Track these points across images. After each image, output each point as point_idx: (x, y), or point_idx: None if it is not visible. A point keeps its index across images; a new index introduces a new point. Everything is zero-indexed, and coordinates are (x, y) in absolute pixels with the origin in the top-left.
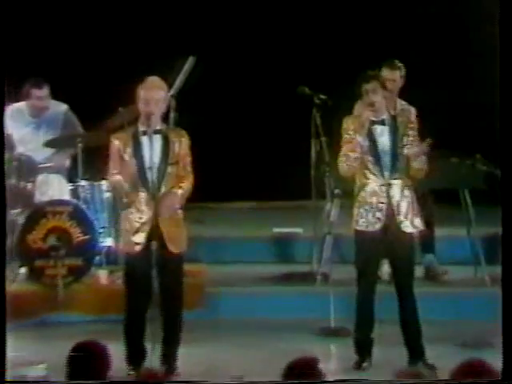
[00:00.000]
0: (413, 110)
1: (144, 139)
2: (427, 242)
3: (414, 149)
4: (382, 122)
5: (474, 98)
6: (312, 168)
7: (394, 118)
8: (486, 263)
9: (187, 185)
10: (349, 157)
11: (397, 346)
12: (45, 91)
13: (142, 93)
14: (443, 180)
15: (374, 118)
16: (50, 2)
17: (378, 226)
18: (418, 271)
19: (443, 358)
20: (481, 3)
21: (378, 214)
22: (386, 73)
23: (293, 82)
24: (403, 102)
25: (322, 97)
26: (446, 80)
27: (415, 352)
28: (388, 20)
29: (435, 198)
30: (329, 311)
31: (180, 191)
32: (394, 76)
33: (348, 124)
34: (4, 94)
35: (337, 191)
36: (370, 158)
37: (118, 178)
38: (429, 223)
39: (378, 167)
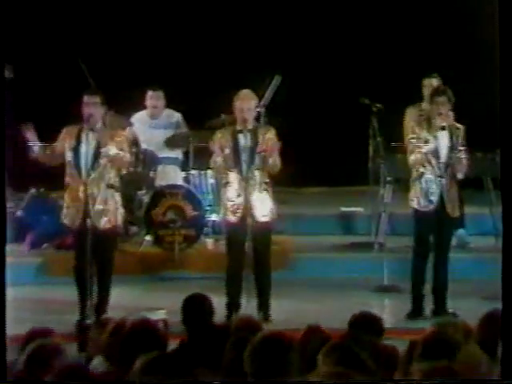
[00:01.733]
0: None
1: (240, 136)
2: (459, 219)
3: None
4: (443, 128)
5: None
6: (370, 161)
7: (449, 126)
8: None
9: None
10: (418, 156)
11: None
12: (160, 93)
13: (238, 103)
14: (471, 170)
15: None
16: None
17: (431, 207)
18: (452, 241)
19: (472, 308)
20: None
21: (432, 198)
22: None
23: (356, 94)
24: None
25: (378, 105)
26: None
27: (440, 303)
28: (424, 38)
29: (466, 185)
30: (383, 272)
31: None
32: (430, 82)
33: (412, 131)
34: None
35: (389, 179)
36: (432, 155)
37: (220, 162)
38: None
39: (437, 163)
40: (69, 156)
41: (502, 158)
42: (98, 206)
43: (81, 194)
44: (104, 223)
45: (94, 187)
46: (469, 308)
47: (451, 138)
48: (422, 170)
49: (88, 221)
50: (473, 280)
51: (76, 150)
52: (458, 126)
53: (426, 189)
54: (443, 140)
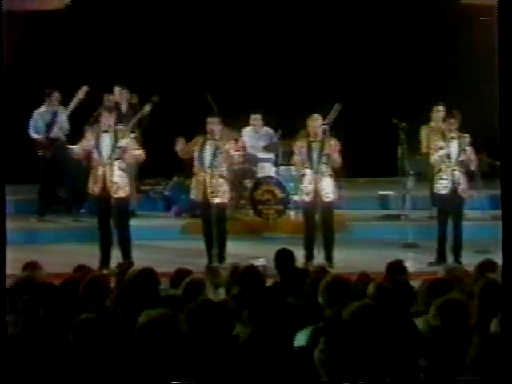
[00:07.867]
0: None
1: (313, 144)
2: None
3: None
4: (453, 138)
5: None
6: (398, 160)
7: (458, 136)
8: (488, 209)
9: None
10: (436, 158)
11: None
12: (259, 116)
13: (311, 122)
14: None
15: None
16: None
17: (446, 191)
18: None
19: (469, 257)
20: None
21: (447, 184)
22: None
23: (389, 116)
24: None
25: (403, 124)
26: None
27: (457, 255)
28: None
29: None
30: (407, 234)
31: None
32: (438, 108)
33: (430, 141)
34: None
35: (411, 172)
36: (446, 156)
37: (299, 161)
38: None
39: (449, 162)
40: (196, 154)
41: (501, 159)
42: (213, 189)
43: (202, 180)
44: (217, 200)
45: (213, 175)
46: (466, 256)
47: (460, 144)
48: (441, 166)
49: (207, 197)
50: (469, 240)
51: (202, 151)
52: (465, 135)
53: (445, 179)
54: (454, 146)
